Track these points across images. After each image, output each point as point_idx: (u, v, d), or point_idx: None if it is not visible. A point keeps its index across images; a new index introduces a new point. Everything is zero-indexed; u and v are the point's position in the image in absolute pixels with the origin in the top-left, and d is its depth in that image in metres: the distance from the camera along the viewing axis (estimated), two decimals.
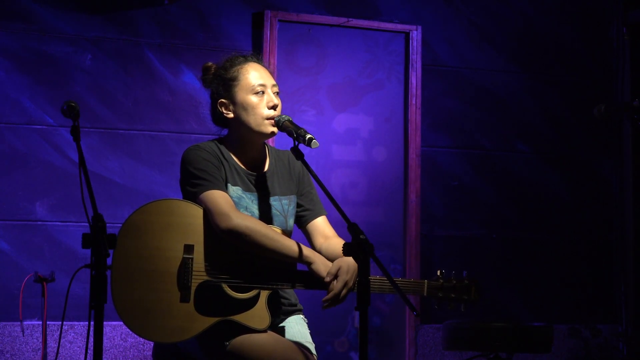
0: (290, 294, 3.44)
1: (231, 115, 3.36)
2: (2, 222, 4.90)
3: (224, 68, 3.39)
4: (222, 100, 3.37)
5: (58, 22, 5.03)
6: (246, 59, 3.39)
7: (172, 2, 5.20)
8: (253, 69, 3.36)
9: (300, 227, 3.48)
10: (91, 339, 2.78)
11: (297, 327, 3.38)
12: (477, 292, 3.42)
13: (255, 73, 3.35)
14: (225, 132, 3.46)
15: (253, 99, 3.33)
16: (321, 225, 3.44)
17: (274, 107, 3.33)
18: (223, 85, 3.36)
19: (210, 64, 3.43)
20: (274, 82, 3.38)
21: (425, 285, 3.38)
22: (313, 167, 3.33)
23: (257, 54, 3.47)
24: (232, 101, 3.35)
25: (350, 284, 3.21)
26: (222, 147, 3.38)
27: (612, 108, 3.73)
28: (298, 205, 3.46)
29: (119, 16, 5.13)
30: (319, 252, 3.37)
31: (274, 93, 3.36)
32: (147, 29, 5.18)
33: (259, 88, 3.33)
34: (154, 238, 3.17)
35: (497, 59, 5.85)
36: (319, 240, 3.42)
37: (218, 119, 3.43)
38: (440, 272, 3.43)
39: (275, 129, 3.33)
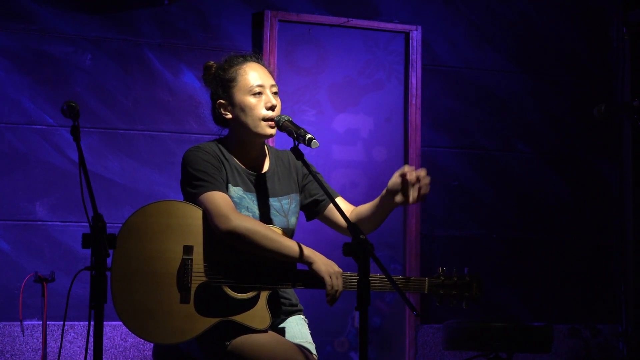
0: (291, 294, 3.44)
1: (230, 115, 3.36)
2: (2, 222, 4.90)
3: (222, 68, 3.38)
4: (221, 100, 3.37)
5: (58, 22, 5.03)
6: (245, 59, 3.39)
7: (172, 2, 5.20)
8: (252, 70, 3.35)
9: (318, 215, 3.47)
10: (91, 339, 2.78)
11: (297, 328, 3.38)
12: (479, 288, 3.42)
13: (254, 74, 3.35)
14: (226, 132, 3.46)
15: (251, 100, 3.32)
16: (342, 205, 3.44)
17: (272, 108, 3.32)
18: (222, 86, 3.36)
19: (211, 62, 3.43)
20: (273, 82, 3.37)
21: (426, 282, 3.38)
22: None
23: (256, 54, 3.45)
24: (231, 102, 3.35)
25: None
26: (223, 147, 3.38)
27: (612, 108, 3.73)
28: (308, 196, 3.45)
29: (119, 16, 5.13)
30: (350, 225, 3.38)
31: (272, 93, 3.35)
32: (147, 29, 5.18)
33: (256, 89, 3.33)
34: (153, 240, 3.17)
35: (497, 59, 5.85)
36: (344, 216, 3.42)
37: (218, 119, 3.43)
38: (441, 269, 3.43)
39: (273, 130, 3.32)
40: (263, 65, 3.40)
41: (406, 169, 3.30)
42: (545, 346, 4.87)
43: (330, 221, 3.46)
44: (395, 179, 3.28)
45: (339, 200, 3.47)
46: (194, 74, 5.21)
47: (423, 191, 3.28)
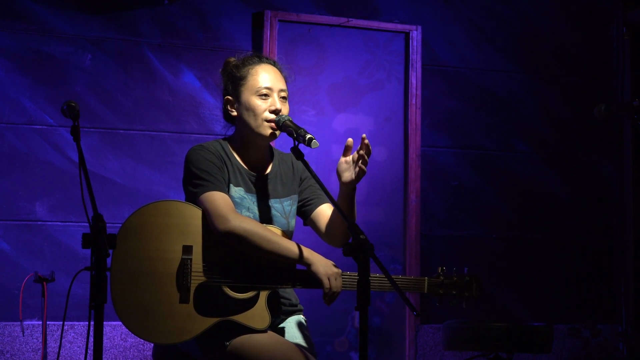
0: (291, 294, 3.44)
1: (235, 113, 3.38)
2: (2, 222, 4.90)
3: (236, 66, 3.40)
4: (229, 97, 3.39)
5: (58, 22, 5.03)
6: (260, 60, 3.40)
7: (172, 2, 5.20)
8: (263, 71, 3.36)
9: (305, 217, 3.47)
10: (91, 339, 2.78)
11: (297, 328, 3.38)
12: (479, 288, 3.42)
13: (265, 75, 3.35)
14: (229, 133, 3.48)
15: (256, 100, 3.33)
16: (327, 210, 3.43)
17: (275, 112, 3.32)
18: (232, 83, 3.38)
19: (232, 58, 3.44)
20: (283, 87, 3.37)
21: (426, 282, 3.39)
22: (313, 167, 3.33)
23: (272, 58, 3.46)
24: (237, 100, 3.36)
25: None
26: (227, 147, 3.38)
27: (612, 108, 3.73)
28: (301, 200, 3.45)
29: (119, 16, 5.13)
30: (328, 234, 3.37)
31: (280, 98, 3.35)
32: (147, 29, 5.18)
33: (264, 90, 3.33)
34: (153, 239, 3.17)
35: (497, 59, 5.85)
36: (326, 224, 3.40)
37: (225, 115, 3.45)
38: (441, 269, 3.43)
39: (276, 132, 3.33)
40: (278, 69, 3.40)
41: (349, 143, 3.29)
42: (545, 346, 4.87)
43: (315, 224, 3.44)
44: (340, 164, 3.30)
45: (328, 205, 3.46)
46: (194, 74, 5.21)
47: (360, 166, 3.27)
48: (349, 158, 3.30)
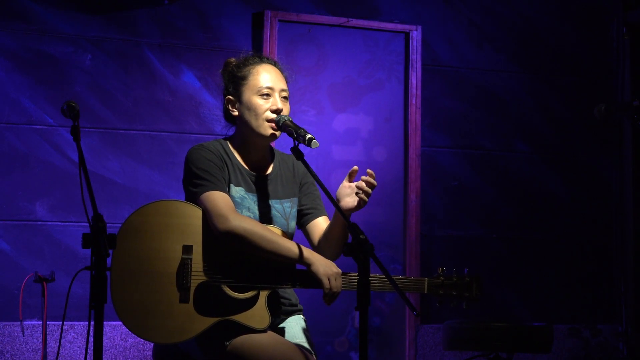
0: (291, 294, 3.44)
1: (236, 113, 3.38)
2: (2, 222, 4.90)
3: (237, 65, 3.41)
4: (230, 97, 3.39)
5: (58, 22, 5.03)
6: (261, 60, 3.41)
7: (172, 2, 5.20)
8: (264, 71, 3.37)
9: (301, 226, 3.48)
10: (91, 339, 2.78)
11: (297, 328, 3.39)
12: (479, 289, 3.42)
13: (266, 75, 3.36)
14: (230, 133, 3.48)
15: (258, 100, 3.33)
16: (323, 224, 3.43)
17: (277, 112, 3.33)
18: (233, 82, 3.39)
19: (232, 59, 3.45)
20: (284, 87, 3.37)
21: (426, 282, 3.39)
22: (313, 167, 3.33)
23: (273, 58, 3.47)
24: (239, 99, 3.37)
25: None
26: (228, 147, 3.39)
27: (612, 108, 3.73)
28: (300, 205, 3.46)
29: (119, 16, 5.13)
30: (319, 248, 3.37)
31: (281, 98, 3.35)
32: (147, 29, 5.18)
33: (265, 90, 3.34)
34: (153, 239, 3.17)
35: (497, 59, 5.85)
36: (319, 237, 3.40)
37: (226, 115, 3.45)
38: (441, 270, 3.43)
39: (276, 132, 3.33)
40: (279, 69, 3.41)
41: (353, 171, 3.27)
42: (545, 346, 4.87)
43: (308, 234, 3.45)
44: (342, 188, 3.27)
45: (324, 219, 3.46)
46: (194, 74, 5.21)
47: (361, 197, 3.22)
48: (353, 184, 3.27)
